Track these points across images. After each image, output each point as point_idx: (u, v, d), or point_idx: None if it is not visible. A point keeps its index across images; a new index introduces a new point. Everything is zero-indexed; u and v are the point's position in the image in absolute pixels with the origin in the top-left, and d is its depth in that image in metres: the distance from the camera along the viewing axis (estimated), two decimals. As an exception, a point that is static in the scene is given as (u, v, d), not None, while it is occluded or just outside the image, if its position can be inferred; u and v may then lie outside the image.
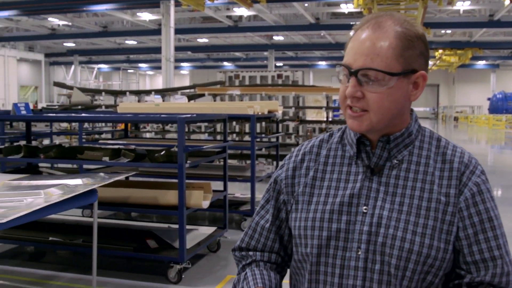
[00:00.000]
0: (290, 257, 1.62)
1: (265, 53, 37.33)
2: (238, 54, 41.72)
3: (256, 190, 6.96)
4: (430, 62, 40.71)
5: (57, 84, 18.17)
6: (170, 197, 5.23)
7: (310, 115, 15.64)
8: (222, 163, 6.62)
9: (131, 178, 6.68)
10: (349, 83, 1.37)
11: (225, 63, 45.98)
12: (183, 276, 5.07)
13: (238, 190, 8.81)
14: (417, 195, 1.40)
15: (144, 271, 5.40)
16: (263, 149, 10.21)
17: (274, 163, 10.09)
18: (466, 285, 1.40)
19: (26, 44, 38.43)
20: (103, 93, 15.24)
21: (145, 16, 25.92)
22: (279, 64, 43.45)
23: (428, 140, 1.47)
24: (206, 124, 12.16)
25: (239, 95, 12.11)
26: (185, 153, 4.91)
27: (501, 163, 16.81)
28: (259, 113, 7.46)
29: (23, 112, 6.47)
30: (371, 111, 1.37)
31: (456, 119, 47.55)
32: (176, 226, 5.40)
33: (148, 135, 12.87)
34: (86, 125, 14.80)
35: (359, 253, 1.40)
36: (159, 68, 24.75)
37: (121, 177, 4.89)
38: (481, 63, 46.20)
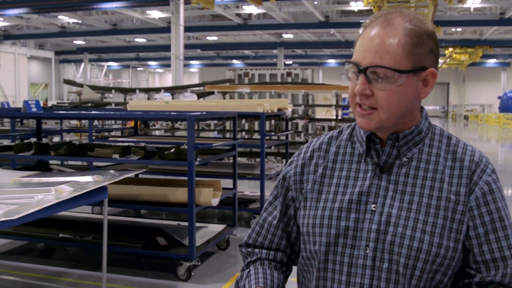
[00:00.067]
0: (297, 255, 1.61)
1: (275, 51, 37.32)
2: (247, 52, 41.73)
3: (265, 188, 6.96)
4: (440, 61, 40.36)
5: (67, 82, 18.21)
6: (179, 194, 5.24)
7: (320, 113, 15.62)
8: (231, 161, 6.62)
9: (140, 176, 6.69)
10: (358, 81, 1.36)
11: (234, 61, 46.00)
12: (192, 274, 5.08)
13: (247, 188, 8.81)
14: (427, 193, 1.39)
15: (153, 268, 5.42)
16: (273, 147, 10.19)
17: (284, 161, 10.07)
18: (476, 284, 1.39)
19: (36, 42, 38.61)
20: (113, 90, 15.28)
21: (155, 14, 25.97)
22: (289, 62, 43.40)
23: (438, 138, 1.46)
24: (215, 122, 12.17)
25: (248, 93, 12.10)
26: (195, 150, 4.91)
27: (512, 162, 16.72)
28: (269, 111, 7.45)
29: (34, 109, 6.50)
30: (380, 109, 1.36)
31: (466, 117, 47.32)
32: (186, 223, 5.40)
33: (157, 133, 12.90)
34: (95, 122, 14.84)
35: (367, 251, 1.39)
36: (169, 66, 24.83)
37: (131, 174, 4.89)
38: (491, 62, 45.94)
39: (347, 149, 1.52)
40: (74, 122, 16.64)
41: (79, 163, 8.74)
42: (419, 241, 1.35)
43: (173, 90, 14.17)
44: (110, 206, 4.77)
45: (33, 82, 41.03)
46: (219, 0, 18.58)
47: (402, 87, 1.34)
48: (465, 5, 23.22)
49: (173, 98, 13.53)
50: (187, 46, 27.03)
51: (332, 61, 46.07)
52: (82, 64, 42.69)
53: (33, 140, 6.60)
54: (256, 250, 1.61)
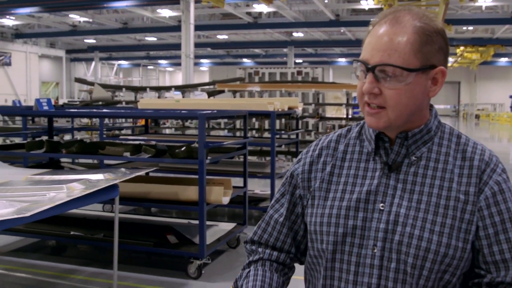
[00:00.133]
0: (303, 253, 1.60)
1: (285, 50, 37.32)
2: (257, 50, 41.75)
3: (275, 187, 6.95)
4: (451, 59, 40.36)
5: (79, 80, 18.31)
6: (190, 192, 5.25)
7: (330, 112, 15.59)
8: (242, 159, 6.62)
9: (151, 174, 6.71)
10: (366, 79, 1.35)
11: (245, 60, 46.02)
12: (203, 272, 5.09)
13: (257, 187, 8.81)
14: (436, 193, 1.37)
15: (164, 266, 5.43)
16: (283, 146, 10.19)
17: (294, 159, 10.05)
18: (486, 285, 1.37)
19: (48, 40, 38.83)
20: (124, 89, 15.33)
21: (165, 12, 26.03)
22: (299, 60, 43.36)
23: (448, 136, 1.44)
24: (225, 120, 12.17)
25: (258, 92, 12.10)
26: (206, 149, 4.91)
27: (523, 161, 16.59)
28: (279, 110, 7.45)
29: (45, 107, 6.53)
30: (389, 108, 1.34)
31: (477, 117, 47.08)
32: (196, 221, 5.41)
33: (167, 131, 12.92)
34: (106, 121, 14.91)
35: (375, 250, 1.38)
36: (179, 64, 24.82)
37: (142, 172, 4.90)
38: (503, 60, 45.63)
39: (356, 148, 1.51)
40: (85, 120, 16.73)
41: (90, 161, 8.79)
42: (427, 241, 1.33)
43: (184, 89, 14.19)
44: (121, 204, 4.79)
45: (44, 81, 41.29)
46: (230, -2, 18.60)
47: (411, 85, 1.32)
48: (477, 4, 23.11)
49: (183, 97, 13.56)
50: (197, 45, 27.11)
51: (342, 60, 45.97)
52: (93, 63, 42.90)
53: (45, 138, 6.63)
54: (260, 249, 1.60)
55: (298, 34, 33.81)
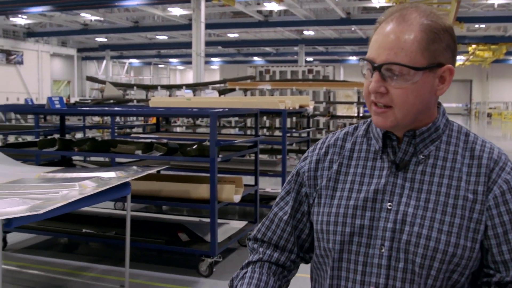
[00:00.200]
0: (307, 251, 1.59)
1: (296, 48, 37.28)
2: (268, 49, 41.72)
3: (286, 185, 6.92)
4: (463, 57, 40.13)
5: (90, 79, 18.39)
6: (202, 191, 5.25)
7: (341, 111, 15.55)
8: (253, 158, 6.62)
9: (162, 172, 6.72)
10: (372, 78, 1.34)
11: (255, 58, 46.02)
12: (214, 270, 5.09)
13: (268, 185, 8.80)
14: (444, 192, 1.35)
15: (175, 264, 5.44)
16: (294, 144, 10.18)
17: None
18: (495, 284, 1.35)
19: (59, 39, 39.04)
20: (135, 87, 15.38)
21: (176, 11, 26.06)
22: (309, 59, 43.29)
23: (456, 135, 1.42)
24: (236, 118, 12.18)
25: (269, 90, 12.09)
26: (217, 147, 4.92)
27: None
28: (291, 108, 7.44)
29: (57, 106, 6.57)
30: (395, 107, 1.32)
31: (489, 115, 46.80)
32: (207, 220, 5.42)
33: (178, 129, 12.95)
34: (117, 119, 14.95)
35: (383, 250, 1.36)
36: (190, 63, 24.88)
37: (153, 170, 4.92)
38: (516, 59, 45.35)
39: (363, 146, 1.49)
40: (96, 119, 16.81)
41: (101, 159, 8.83)
42: (435, 240, 1.32)
43: (195, 87, 14.21)
44: (132, 202, 4.80)
45: (55, 79, 41.52)
46: (240, -3, 18.61)
47: (418, 84, 1.31)
48: (489, 1, 22.96)
49: (194, 95, 13.58)
50: (208, 43, 27.12)
51: (353, 58, 45.85)
52: (104, 61, 43.08)
53: (57, 136, 6.66)
54: (261, 249, 1.58)
55: (309, 33, 33.76)
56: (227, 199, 5.22)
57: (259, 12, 27.14)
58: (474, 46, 34.07)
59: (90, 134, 12.76)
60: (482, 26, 31.21)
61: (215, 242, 4.98)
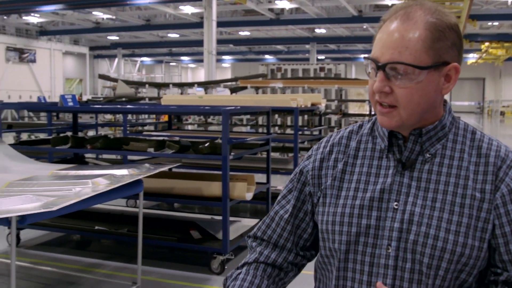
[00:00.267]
0: (308, 249, 1.57)
1: (307, 46, 37.19)
2: (279, 47, 41.65)
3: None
4: (476, 55, 39.87)
5: (102, 77, 18.49)
6: (214, 188, 5.26)
7: (353, 109, 15.49)
8: (264, 155, 6.61)
9: (174, 170, 6.73)
10: (377, 78, 1.32)
11: (267, 56, 45.97)
12: (226, 267, 5.09)
13: (280, 183, 8.79)
14: (451, 191, 1.33)
15: (187, 261, 5.45)
16: (306, 142, 10.17)
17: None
18: (503, 283, 1.33)
19: (71, 37, 39.22)
20: (147, 85, 15.42)
21: (188, 9, 26.09)
22: (321, 57, 43.19)
23: (462, 133, 1.40)
24: (248, 116, 12.18)
25: (281, 88, 12.08)
26: (229, 145, 4.92)
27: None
28: (302, 106, 7.43)
29: (70, 103, 6.59)
30: (400, 107, 1.31)
31: (502, 113, 46.44)
32: (219, 217, 5.42)
33: (190, 127, 12.97)
34: (129, 117, 14.99)
35: (389, 250, 1.34)
36: (201, 61, 24.95)
37: (166, 168, 4.93)
38: (529, 56, 44.97)
39: (368, 144, 1.47)
40: (108, 117, 16.87)
41: (113, 156, 8.85)
42: (443, 240, 1.30)
43: (206, 85, 14.23)
44: (144, 199, 4.82)
45: (68, 77, 41.73)
46: (252, -5, 18.60)
47: (423, 84, 1.29)
48: (502, -1, 22.77)
49: (206, 93, 13.60)
50: (219, 41, 27.14)
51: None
52: (116, 60, 43.25)
53: (69, 134, 6.69)
54: (258, 249, 1.56)
55: (320, 31, 33.66)
56: (239, 197, 5.22)
57: (271, 10, 27.10)
58: (487, 44, 33.78)
59: (102, 132, 12.83)
60: (495, 23, 30.95)
61: (227, 239, 4.98)
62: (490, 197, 1.32)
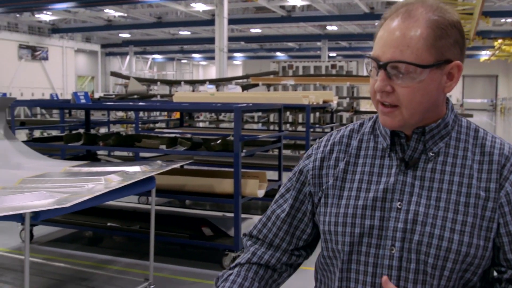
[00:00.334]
0: (304, 249, 1.56)
1: (319, 44, 37.10)
2: (291, 44, 41.59)
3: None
4: (489, 52, 39.59)
5: (114, 74, 18.55)
6: (225, 185, 5.26)
7: (364, 106, 15.42)
8: (276, 153, 6.61)
9: (186, 167, 6.74)
10: (378, 77, 1.30)
11: (278, 54, 45.91)
12: (237, 264, 5.09)
13: (291, 180, 8.78)
14: (455, 190, 1.31)
15: (199, 258, 5.46)
16: (317, 140, 10.15)
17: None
18: (507, 281, 1.32)
19: (83, 35, 39.37)
20: (159, 82, 15.46)
21: (199, 6, 26.11)
22: (333, 54, 43.05)
23: (465, 131, 1.38)
24: (259, 114, 12.17)
25: (293, 85, 12.07)
26: (241, 142, 4.92)
27: None
28: (314, 103, 7.41)
29: (83, 101, 6.63)
30: (402, 106, 1.28)
31: (515, 111, 46.10)
32: (231, 214, 5.42)
33: (201, 124, 12.99)
34: (141, 114, 15.05)
35: (393, 251, 1.33)
36: (213, 58, 24.93)
37: (178, 165, 4.94)
38: (542, 53, 44.57)
39: (370, 143, 1.45)
40: (120, 114, 16.94)
41: (125, 154, 8.90)
42: (448, 240, 1.28)
43: (218, 82, 14.24)
44: (156, 196, 4.83)
45: (80, 75, 41.91)
46: (263, -8, 18.58)
47: (425, 82, 1.26)
48: (516, -5, 22.58)
49: (217, 90, 13.61)
50: (231, 39, 27.13)
51: (377, 53, 45.44)
52: (128, 57, 43.36)
53: (82, 130, 6.72)
54: (252, 248, 1.55)
55: (332, 28, 33.57)
56: (251, 194, 5.21)
57: (282, 7, 27.04)
58: (500, 41, 33.52)
59: (114, 129, 12.87)
60: (509, 20, 30.69)
61: (239, 236, 4.98)
62: (495, 195, 1.30)
